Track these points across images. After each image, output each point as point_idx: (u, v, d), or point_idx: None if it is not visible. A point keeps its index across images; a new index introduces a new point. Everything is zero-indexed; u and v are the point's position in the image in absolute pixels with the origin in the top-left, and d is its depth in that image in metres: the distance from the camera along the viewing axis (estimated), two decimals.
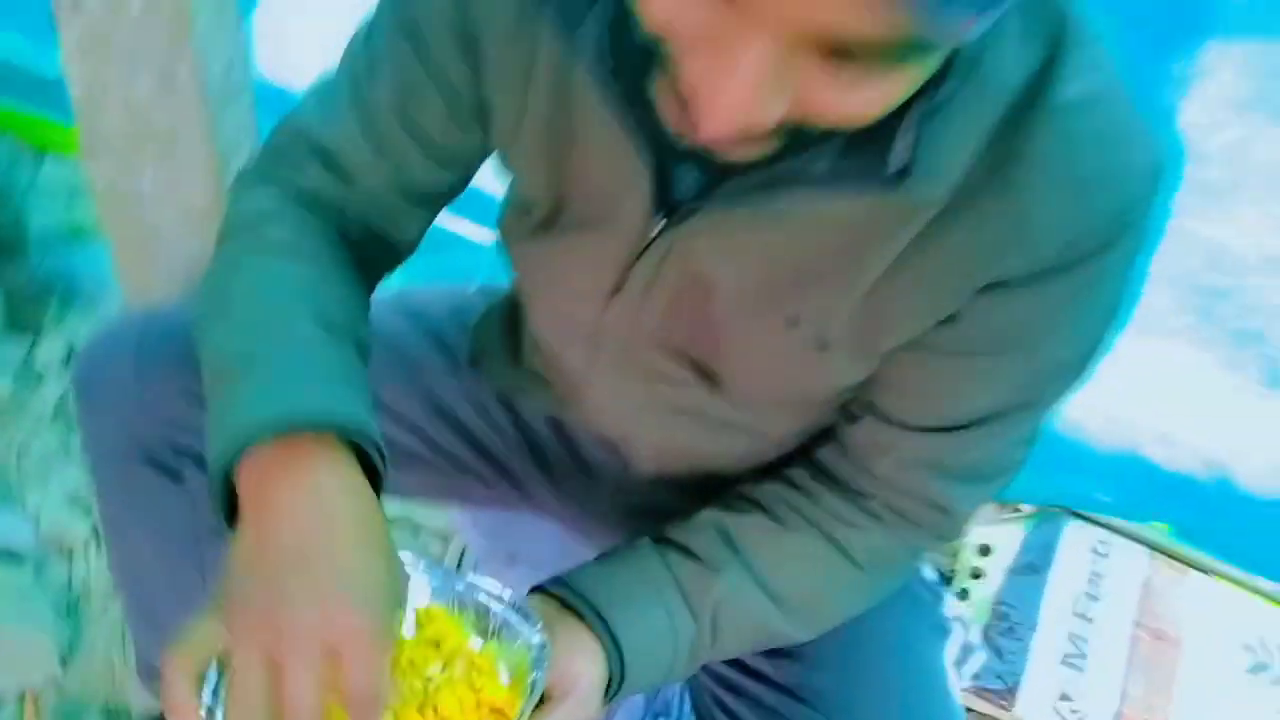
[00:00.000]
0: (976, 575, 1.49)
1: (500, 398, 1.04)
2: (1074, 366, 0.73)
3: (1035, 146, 0.61)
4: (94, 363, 0.91)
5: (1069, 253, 0.64)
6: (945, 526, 0.82)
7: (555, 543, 1.23)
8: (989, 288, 0.67)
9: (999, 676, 1.35)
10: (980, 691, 1.33)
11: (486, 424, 1.04)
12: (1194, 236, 1.90)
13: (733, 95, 0.48)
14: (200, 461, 0.90)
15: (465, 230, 1.79)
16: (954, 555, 1.52)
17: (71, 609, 1.44)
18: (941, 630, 0.96)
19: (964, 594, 1.47)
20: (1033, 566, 1.49)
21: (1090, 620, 1.42)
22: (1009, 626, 1.41)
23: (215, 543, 0.92)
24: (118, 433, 0.89)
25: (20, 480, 1.56)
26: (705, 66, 0.49)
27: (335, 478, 0.66)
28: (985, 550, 1.52)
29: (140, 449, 0.89)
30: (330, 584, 0.61)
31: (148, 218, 1.24)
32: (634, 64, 0.58)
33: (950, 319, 0.70)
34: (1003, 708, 1.32)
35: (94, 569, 1.48)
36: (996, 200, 0.63)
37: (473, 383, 1.03)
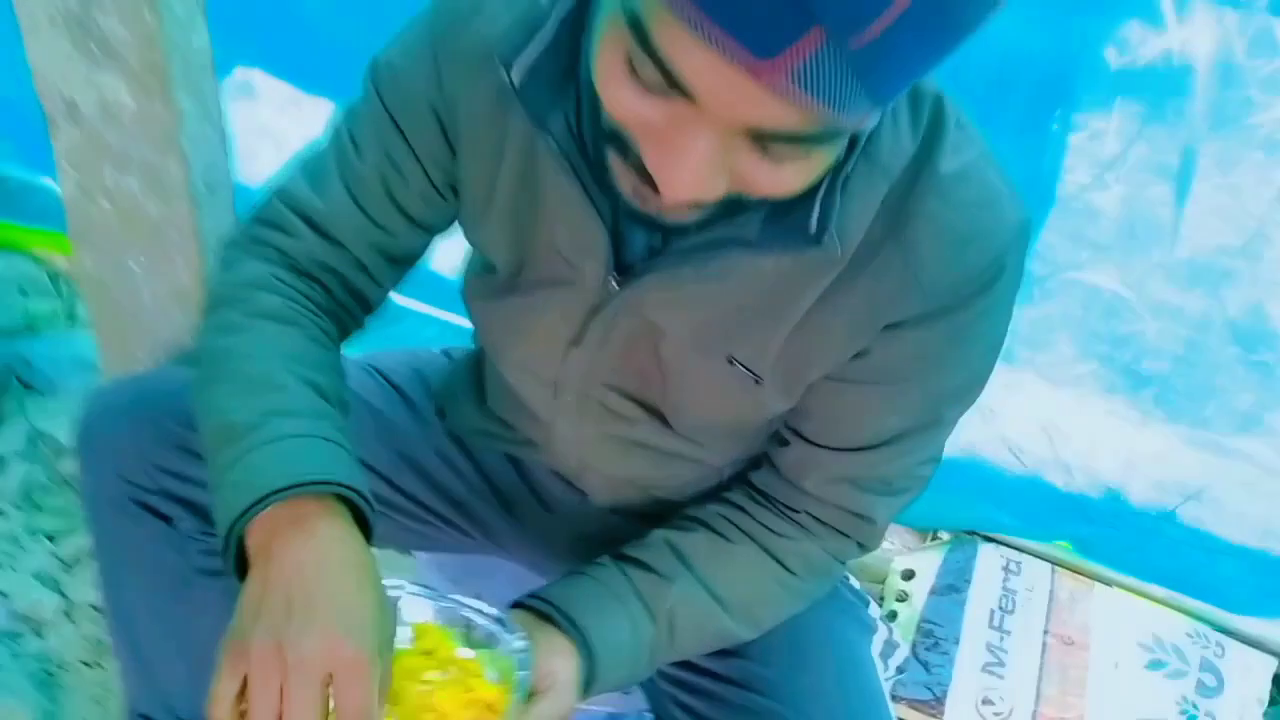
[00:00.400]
0: (902, 598, 1.58)
1: (461, 446, 1.11)
2: (966, 390, 0.85)
3: (923, 210, 0.74)
4: (93, 419, 0.96)
5: (954, 296, 0.76)
6: (865, 534, 0.93)
7: (515, 584, 1.29)
8: (890, 327, 0.78)
9: (928, 688, 1.44)
10: (912, 703, 1.42)
11: (450, 470, 1.11)
12: (1093, 290, 2.00)
13: (685, 175, 0.60)
14: (190, 507, 0.96)
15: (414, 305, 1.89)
16: (881, 581, 1.61)
17: (46, 681, 1.46)
18: (867, 628, 1.05)
19: (892, 615, 1.56)
20: (953, 587, 1.59)
21: (1006, 631, 1.53)
22: (934, 642, 1.51)
23: (203, 584, 0.98)
24: (114, 481, 0.94)
25: None
26: (661, 152, 0.61)
27: (334, 530, 0.75)
28: (909, 575, 1.62)
29: (134, 495, 0.94)
30: (329, 621, 0.69)
31: (132, 302, 1.29)
32: (595, 145, 0.69)
33: (860, 354, 0.81)
34: (933, 716, 1.41)
35: (67, 641, 1.50)
36: (893, 255, 0.75)
37: (436, 433, 1.11)
